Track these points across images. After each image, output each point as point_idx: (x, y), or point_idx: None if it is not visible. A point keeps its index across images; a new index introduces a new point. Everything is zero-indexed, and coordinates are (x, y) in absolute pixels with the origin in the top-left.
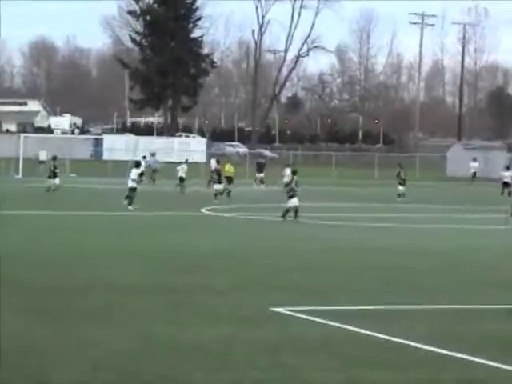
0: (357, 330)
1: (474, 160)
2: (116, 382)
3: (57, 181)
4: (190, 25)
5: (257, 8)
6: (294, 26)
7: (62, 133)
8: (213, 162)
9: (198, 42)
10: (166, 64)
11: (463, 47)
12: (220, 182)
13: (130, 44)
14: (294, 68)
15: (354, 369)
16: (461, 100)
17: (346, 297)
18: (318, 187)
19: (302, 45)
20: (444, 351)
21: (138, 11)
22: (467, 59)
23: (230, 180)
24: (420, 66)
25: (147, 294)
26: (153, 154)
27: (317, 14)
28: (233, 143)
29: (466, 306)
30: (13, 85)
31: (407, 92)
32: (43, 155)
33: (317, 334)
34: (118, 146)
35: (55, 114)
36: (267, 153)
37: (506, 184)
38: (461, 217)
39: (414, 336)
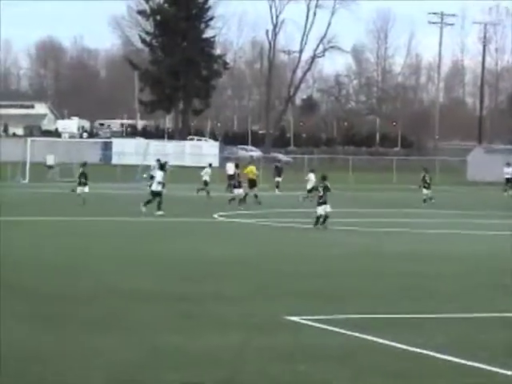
0: (372, 338)
1: (508, 165)
2: None
3: (86, 189)
4: (202, 25)
5: (271, 7)
6: (309, 25)
7: (70, 136)
8: (230, 166)
9: (210, 43)
10: (177, 65)
11: (484, 47)
12: (240, 187)
13: (139, 44)
14: (309, 69)
15: (365, 378)
16: (481, 101)
17: (364, 304)
18: (335, 192)
19: (318, 45)
20: (463, 361)
21: (148, 11)
22: (488, 59)
23: (253, 183)
24: (439, 66)
25: (155, 301)
26: (158, 160)
27: (333, 13)
28: (246, 147)
29: (486, 315)
30: (19, 87)
31: (426, 93)
32: (51, 160)
33: (330, 343)
34: (128, 150)
35: (63, 117)
36: (281, 157)
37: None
38: (483, 222)
39: (432, 345)
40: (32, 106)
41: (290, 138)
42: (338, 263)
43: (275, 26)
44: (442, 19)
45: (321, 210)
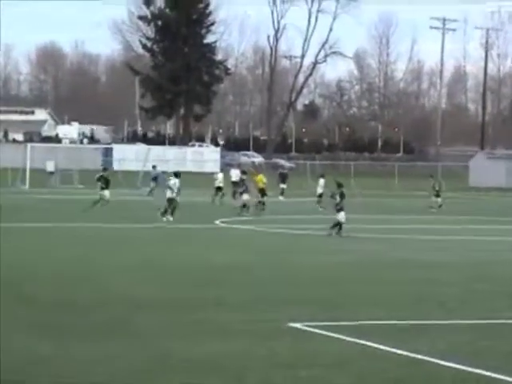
0: (374, 345)
1: None
2: None
3: (106, 193)
4: (203, 30)
5: (272, 12)
6: (310, 31)
7: (71, 142)
8: (234, 173)
9: (211, 48)
10: (178, 71)
11: (486, 53)
12: (247, 192)
13: (140, 50)
14: (310, 74)
15: None
16: (484, 107)
17: (368, 311)
18: (325, 197)
19: (319, 50)
20: (465, 367)
21: (149, 16)
22: (490, 65)
23: (263, 192)
24: (441, 72)
25: (157, 308)
26: (154, 166)
27: (334, 18)
28: (248, 153)
29: (490, 321)
30: (19, 92)
31: (428, 99)
32: (51, 166)
33: (333, 350)
34: (129, 156)
35: (63, 123)
36: (283, 162)
37: None
38: (488, 228)
39: (435, 352)
40: (32, 113)
41: (291, 144)
42: (342, 270)
43: (277, 32)
44: (444, 24)
45: (341, 217)
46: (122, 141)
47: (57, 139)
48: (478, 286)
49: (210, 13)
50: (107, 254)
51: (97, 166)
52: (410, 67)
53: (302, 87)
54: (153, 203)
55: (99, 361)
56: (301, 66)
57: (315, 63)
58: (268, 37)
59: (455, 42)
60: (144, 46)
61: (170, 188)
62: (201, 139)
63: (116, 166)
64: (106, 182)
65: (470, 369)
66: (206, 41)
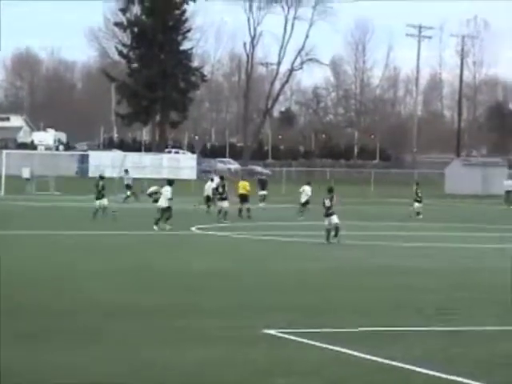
0: (348, 351)
1: (511, 176)
2: None
3: (105, 201)
4: (180, 37)
5: (249, 19)
6: (287, 38)
7: (46, 149)
8: (216, 181)
9: (187, 55)
10: (154, 77)
11: (462, 60)
12: (226, 199)
13: (116, 57)
14: (287, 81)
15: None
16: (459, 114)
17: (344, 318)
18: (312, 205)
19: (296, 57)
20: (438, 373)
21: (125, 23)
22: (466, 73)
23: (244, 198)
24: (417, 79)
25: (135, 314)
26: (126, 171)
27: (311, 25)
28: (224, 159)
29: (466, 328)
30: None
31: (404, 106)
32: (26, 172)
33: (308, 357)
34: (105, 163)
35: (38, 129)
36: (260, 169)
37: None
38: (464, 235)
39: (409, 358)
40: (7, 119)
41: (268, 151)
42: (324, 276)
43: (253, 38)
44: (420, 32)
45: (332, 220)
46: (98, 147)
47: (32, 146)
48: (458, 292)
49: (187, 19)
50: (81, 260)
51: (72, 173)
52: (386, 74)
53: (278, 94)
54: (131, 210)
55: (77, 368)
56: (277, 73)
57: (291, 70)
58: (244, 44)
59: (431, 49)
60: (120, 53)
61: (166, 197)
62: (177, 146)
63: (92, 173)
64: (102, 191)
65: (442, 375)
66: (182, 47)
